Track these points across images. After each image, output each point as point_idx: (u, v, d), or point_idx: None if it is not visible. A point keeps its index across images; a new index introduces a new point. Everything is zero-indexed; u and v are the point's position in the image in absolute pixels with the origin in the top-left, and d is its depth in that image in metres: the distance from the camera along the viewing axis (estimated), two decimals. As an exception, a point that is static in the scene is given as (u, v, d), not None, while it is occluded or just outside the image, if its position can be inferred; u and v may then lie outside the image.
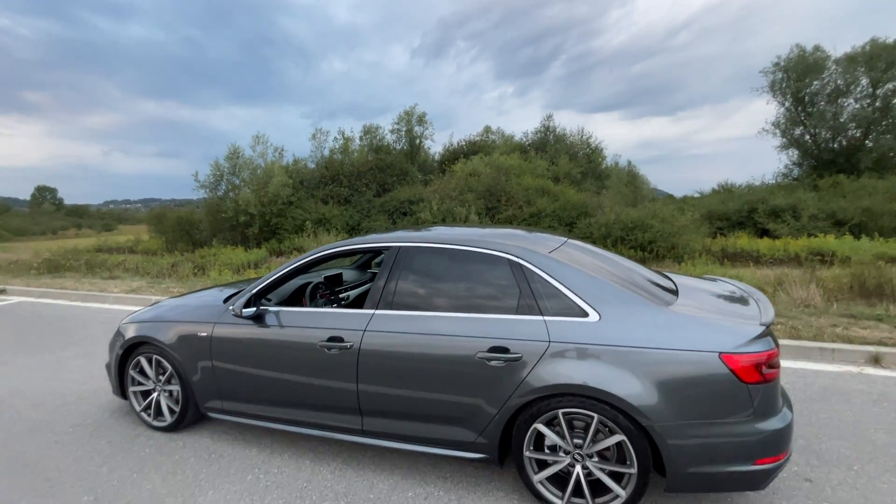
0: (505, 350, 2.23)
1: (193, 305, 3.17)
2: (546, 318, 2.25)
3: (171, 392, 3.12)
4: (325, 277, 3.69)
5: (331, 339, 2.57)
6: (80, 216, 59.87)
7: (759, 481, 2.03)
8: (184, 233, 22.79)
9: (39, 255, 12.81)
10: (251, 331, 2.80)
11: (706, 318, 2.15)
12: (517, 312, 2.31)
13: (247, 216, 21.32)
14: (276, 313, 2.81)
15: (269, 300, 3.08)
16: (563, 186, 22.70)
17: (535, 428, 2.22)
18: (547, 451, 2.27)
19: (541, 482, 2.27)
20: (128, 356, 3.23)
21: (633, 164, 41.53)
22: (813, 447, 2.77)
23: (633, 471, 2.09)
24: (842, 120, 23.42)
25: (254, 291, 2.85)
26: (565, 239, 2.93)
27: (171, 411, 3.12)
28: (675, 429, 2.00)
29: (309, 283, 3.40)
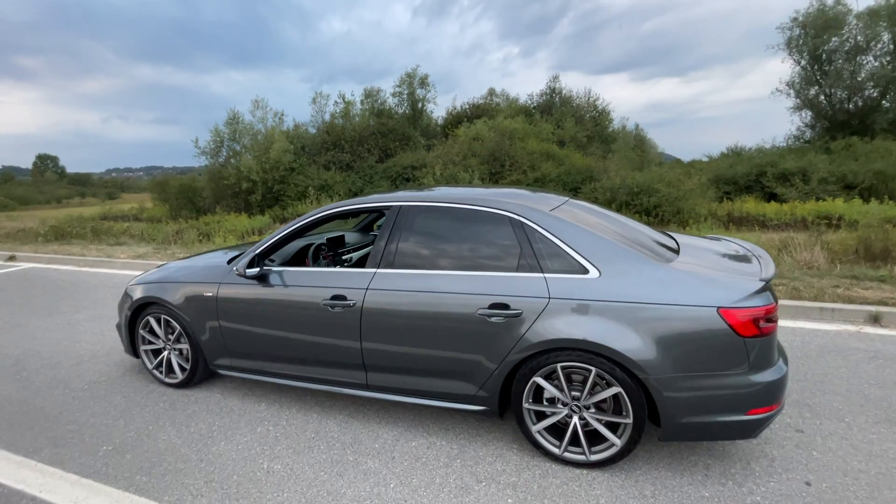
0: (505, 306, 2.26)
1: (199, 266, 3.21)
2: (546, 275, 2.27)
3: (180, 350, 3.21)
4: (327, 239, 3.71)
5: (334, 297, 2.60)
6: (83, 184, 59.79)
7: (751, 430, 2.09)
8: (187, 200, 22.78)
9: (46, 223, 12.92)
10: (256, 290, 2.84)
11: (705, 274, 2.16)
12: (518, 270, 2.33)
13: (249, 183, 21.21)
14: (280, 273, 2.84)
15: (273, 261, 3.11)
16: (568, 150, 22.31)
17: (534, 381, 2.27)
18: (545, 403, 2.34)
19: (539, 432, 2.35)
20: (137, 316, 3.30)
21: (641, 127, 40.52)
22: (806, 401, 2.83)
23: (629, 421, 2.15)
24: (859, 79, 22.61)
25: (257, 252, 2.87)
26: (567, 198, 2.92)
27: (182, 369, 3.21)
28: (671, 381, 2.05)
29: (311, 244, 3.42)
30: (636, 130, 41.12)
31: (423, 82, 27.58)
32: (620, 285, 2.15)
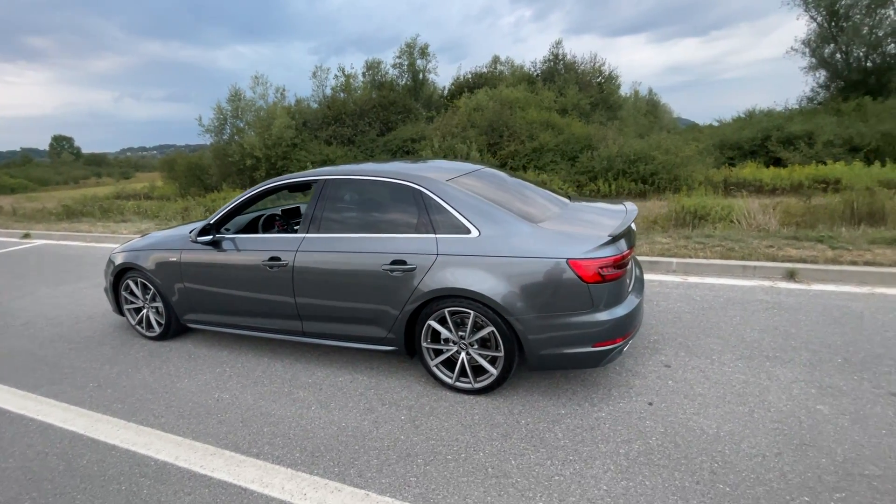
0: (403, 262, 2.69)
1: (167, 236, 3.71)
2: (437, 235, 2.68)
3: (157, 308, 3.75)
4: (283, 211, 4.17)
5: (271, 258, 3.07)
6: (98, 165, 61.11)
7: (598, 360, 2.51)
8: (195, 178, 23.45)
9: (76, 202, 13.70)
10: (211, 255, 3.33)
11: (564, 231, 2.54)
12: (416, 231, 2.75)
13: (253, 159, 21.69)
14: (231, 240, 3.31)
15: (228, 230, 3.59)
16: (569, 119, 22.08)
17: (429, 324, 2.72)
18: (442, 342, 2.80)
19: (436, 366, 2.82)
20: (119, 280, 3.85)
21: (655, 92, 39.28)
22: (688, 343, 3.23)
23: (501, 354, 2.60)
24: (879, 34, 21.65)
25: (211, 222, 3.35)
26: (480, 167, 3.32)
27: (159, 324, 3.75)
28: (532, 321, 2.47)
29: (262, 215, 3.89)
30: (649, 95, 40.01)
31: (424, 52, 27.28)
32: (494, 242, 2.55)
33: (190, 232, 3.56)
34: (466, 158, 18.04)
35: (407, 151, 20.89)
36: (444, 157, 18.21)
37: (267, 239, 3.21)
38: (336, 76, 25.98)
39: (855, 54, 22.35)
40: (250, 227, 3.76)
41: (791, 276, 4.31)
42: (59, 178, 46.23)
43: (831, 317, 3.50)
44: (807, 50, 23.78)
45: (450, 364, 2.81)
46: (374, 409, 2.68)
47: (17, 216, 12.82)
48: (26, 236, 9.40)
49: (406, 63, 27.28)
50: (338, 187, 3.05)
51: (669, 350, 3.14)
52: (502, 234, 2.57)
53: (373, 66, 27.57)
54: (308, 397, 2.85)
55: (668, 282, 4.49)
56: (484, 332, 2.62)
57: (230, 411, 2.75)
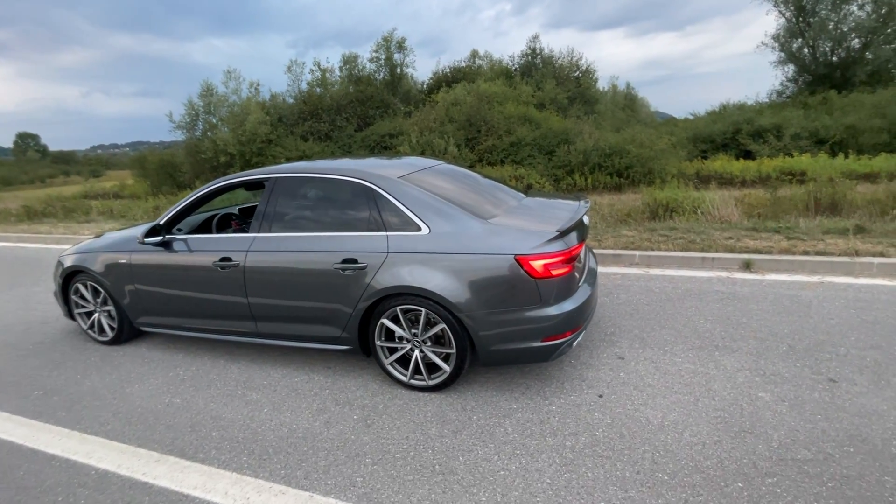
0: (354, 261, 2.67)
1: (117, 238, 3.59)
2: (388, 233, 2.66)
3: (108, 312, 3.63)
4: (239, 210, 4.08)
5: (222, 259, 3.00)
6: (66, 163, 59.02)
7: (548, 354, 2.53)
8: (167, 175, 22.84)
9: (37, 202, 13.17)
10: (162, 256, 3.24)
11: (513, 227, 2.55)
12: (367, 229, 2.72)
13: (227, 156, 21.22)
14: (182, 240, 3.23)
15: (181, 230, 3.50)
16: (547, 113, 22.22)
17: (382, 322, 2.71)
18: (396, 340, 2.78)
19: (391, 364, 2.80)
20: (69, 283, 3.72)
21: (633, 86, 39.76)
22: (643, 335, 3.28)
23: (453, 351, 2.60)
24: (844, 29, 22.34)
25: (160, 222, 3.26)
26: (437, 163, 3.31)
27: (111, 328, 3.64)
28: (481, 317, 2.47)
29: (216, 214, 3.80)
30: (627, 89, 40.49)
31: (401, 46, 27.02)
32: (444, 239, 2.54)
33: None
34: (444, 153, 18.02)
35: (385, 147, 20.73)
36: (422, 153, 18.18)
37: (218, 239, 3.14)
38: (312, 70, 25.53)
39: (821, 49, 23.02)
40: (204, 227, 3.67)
41: (747, 266, 4.42)
42: (25, 177, 44.53)
43: (781, 305, 3.60)
44: (776, 45, 24.40)
45: (405, 362, 2.80)
46: (326, 410, 2.65)
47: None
48: (-17, 239, 9.03)
49: (383, 57, 26.98)
50: (289, 185, 3.00)
51: (624, 342, 3.19)
52: (452, 230, 2.56)
53: (350, 61, 27.18)
54: (261, 399, 2.81)
55: (630, 274, 4.56)
56: (436, 329, 2.61)
57: (179, 416, 2.69)
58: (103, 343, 3.72)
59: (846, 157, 14.98)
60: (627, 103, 37.83)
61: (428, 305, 2.55)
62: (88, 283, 3.60)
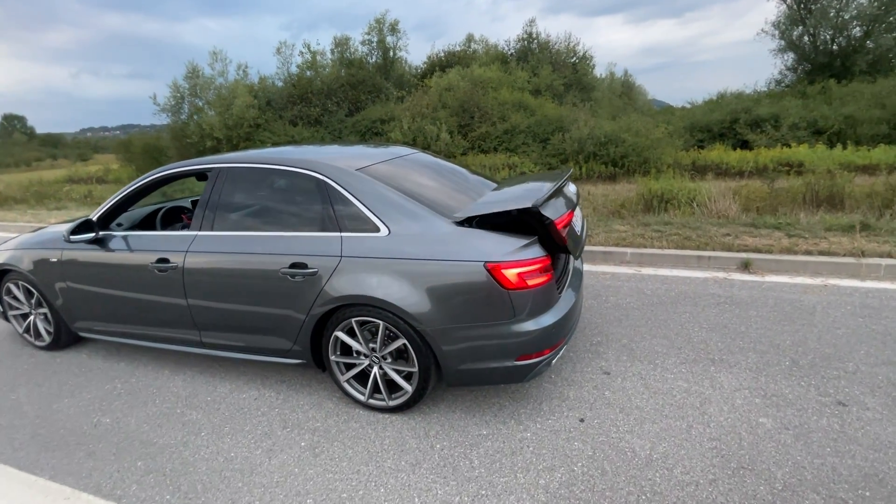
0: (303, 266, 2.32)
1: (49, 233, 3.22)
2: (343, 234, 2.32)
3: (45, 315, 3.29)
4: (192, 202, 3.70)
5: (159, 260, 2.65)
6: (54, 146, 57.71)
7: (522, 375, 2.22)
8: (152, 160, 22.21)
9: (17, 187, 12.62)
10: (94, 255, 2.87)
11: (482, 230, 2.22)
12: (320, 229, 2.37)
13: (213, 141, 20.64)
14: (118, 237, 2.86)
15: (121, 225, 3.13)
16: (542, 100, 21.74)
17: (335, 335, 2.39)
18: (354, 354, 2.46)
19: (347, 382, 2.49)
20: (0, 282, 3.36)
21: (631, 73, 39.19)
22: (632, 345, 2.99)
23: (415, 369, 2.29)
24: (845, 17, 21.92)
25: (93, 218, 2.89)
26: (411, 152, 2.98)
27: (48, 332, 3.30)
28: (446, 332, 2.15)
29: (161, 208, 3.43)
30: (625, 77, 39.87)
31: (394, 28, 26.24)
32: (405, 242, 2.20)
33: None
34: (436, 140, 17.56)
35: (376, 133, 20.22)
36: (414, 139, 17.69)
37: (156, 237, 2.78)
38: (302, 53, 24.74)
39: (822, 37, 22.59)
40: (147, 223, 3.30)
41: (745, 266, 4.13)
42: (10, 160, 43.44)
43: (783, 312, 3.31)
44: (776, 32, 23.94)
45: (364, 378, 2.48)
46: (272, 434, 2.34)
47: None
48: (-57, 227, 8.57)
49: (376, 40, 26.21)
50: (235, 177, 2.63)
51: (611, 354, 2.89)
52: (415, 232, 2.22)
53: (341, 43, 26.39)
54: (201, 420, 2.49)
55: (620, 274, 4.25)
56: (397, 345, 2.29)
57: (105, 440, 2.37)
58: (40, 348, 3.38)
59: (844, 147, 14.71)
60: (625, 91, 37.28)
61: (386, 318, 2.23)
62: (20, 282, 3.24)
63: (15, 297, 3.34)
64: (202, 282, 2.57)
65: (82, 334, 3.21)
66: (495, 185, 2.92)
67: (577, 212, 2.60)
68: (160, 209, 3.41)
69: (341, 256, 2.27)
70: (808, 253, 4.17)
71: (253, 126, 21.44)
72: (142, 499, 1.98)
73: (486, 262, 2.07)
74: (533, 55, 26.70)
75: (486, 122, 19.08)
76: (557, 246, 2.24)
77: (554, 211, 2.17)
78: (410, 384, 2.33)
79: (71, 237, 2.82)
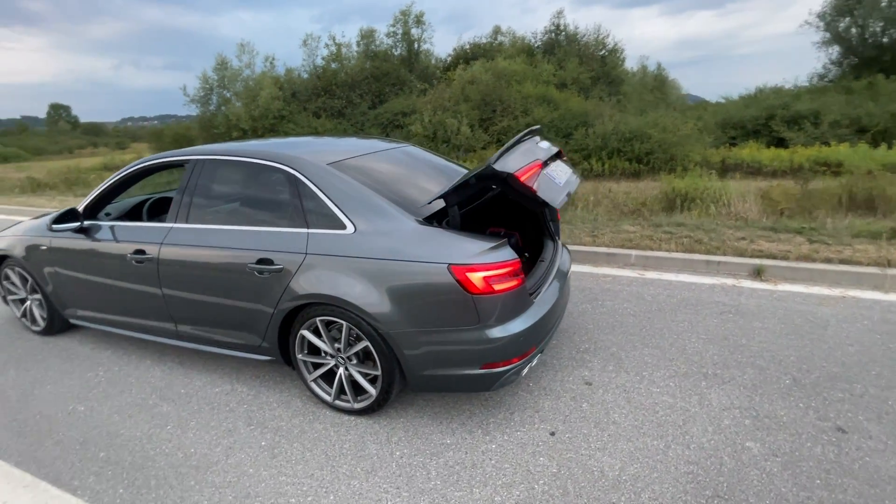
0: (270, 262, 2.27)
1: (41, 221, 3.29)
2: (309, 230, 2.25)
3: (39, 301, 3.37)
4: None
5: (136, 251, 2.66)
6: (96, 134, 60.25)
7: (489, 383, 2.11)
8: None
9: (53, 174, 13.21)
10: (79, 244, 2.91)
11: (447, 231, 2.10)
12: (288, 225, 2.31)
13: (239, 132, 21.07)
14: (104, 227, 2.89)
15: (109, 214, 3.17)
16: (567, 93, 21.23)
17: (301, 334, 2.33)
18: (322, 354, 2.40)
19: (314, 381, 2.43)
20: (-1, 267, 3.46)
21: (664, 67, 37.96)
22: (621, 354, 2.82)
23: (378, 373, 2.21)
24: (898, 7, 20.51)
25: (79, 208, 2.93)
26: (399, 145, 2.94)
27: (43, 318, 3.38)
28: (409, 335, 2.06)
29: (148, 199, 3.45)
30: (657, 70, 38.60)
31: (419, 20, 26.11)
32: (370, 241, 2.12)
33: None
34: (457, 134, 17.39)
35: (397, 126, 20.19)
36: (434, 133, 17.58)
37: (135, 228, 2.79)
38: (327, 45, 24.91)
39: (871, 29, 21.19)
40: (134, 213, 3.33)
41: (758, 273, 3.87)
42: (55, 147, 45.58)
43: (791, 325, 3.07)
44: (821, 24, 22.59)
45: (333, 378, 2.42)
46: (235, 431, 2.31)
47: (-14, 188, 12.43)
48: (-22, 211, 9.02)
49: (401, 32, 26.12)
50: (209, 170, 2.60)
51: (597, 363, 2.74)
52: (381, 230, 2.13)
53: (367, 36, 26.43)
54: (170, 412, 2.49)
55: (622, 277, 4.06)
56: (358, 346, 2.22)
57: (75, 429, 2.39)
58: (36, 333, 3.47)
59: (889, 147, 13.78)
60: (657, 85, 36.03)
61: (350, 318, 2.15)
62: (16, 268, 3.32)
63: (13, 283, 3.44)
64: (175, 274, 2.56)
65: (72, 321, 3.28)
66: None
67: (560, 165, 2.40)
68: (148, 200, 3.43)
69: (306, 253, 2.20)
70: (829, 261, 3.87)
71: (277, 117, 21.77)
72: (96, 491, 1.98)
73: (450, 264, 1.97)
74: (560, 48, 26.08)
75: (508, 115, 18.78)
76: (531, 200, 2.08)
77: (513, 165, 2.00)
78: (375, 388, 2.25)
79: (53, 226, 2.86)
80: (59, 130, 60.88)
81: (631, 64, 31.06)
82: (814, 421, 2.18)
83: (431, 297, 2.01)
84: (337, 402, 2.38)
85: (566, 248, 3.10)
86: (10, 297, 3.51)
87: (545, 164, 2.20)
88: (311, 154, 2.45)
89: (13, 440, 2.33)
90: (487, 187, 2.20)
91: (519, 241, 3.08)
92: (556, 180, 2.20)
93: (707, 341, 2.92)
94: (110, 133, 65.00)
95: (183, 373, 2.87)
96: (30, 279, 3.27)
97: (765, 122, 18.13)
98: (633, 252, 4.38)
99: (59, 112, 73.49)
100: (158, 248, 2.58)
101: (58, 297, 3.16)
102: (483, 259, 1.97)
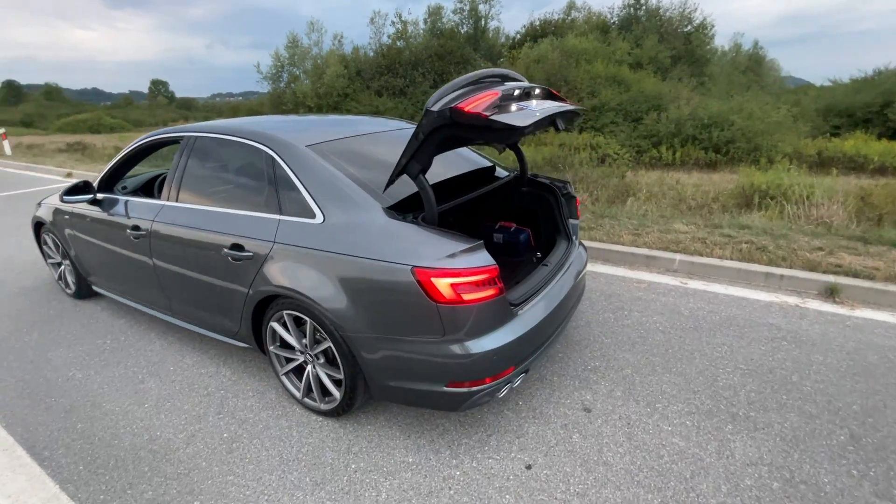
0: (241, 248, 2.16)
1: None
2: (281, 217, 2.09)
3: (70, 265, 3.57)
4: None
5: (133, 227, 2.67)
6: (188, 109, 65.55)
7: (455, 404, 1.85)
8: (252, 125, 24.06)
9: (115, 145, 14.61)
10: (92, 215, 3.01)
11: (421, 227, 1.84)
12: (264, 209, 2.18)
13: (305, 109, 21.77)
14: (119, 201, 2.95)
15: (126, 188, 3.24)
16: (642, 74, 19.63)
17: (271, 326, 2.21)
18: (293, 349, 2.27)
19: (285, 375, 2.30)
20: (39, 233, 3.71)
21: (762, 46, 34.13)
22: (636, 378, 2.43)
23: (341, 376, 2.03)
24: None
25: (93, 182, 3.03)
26: (406, 126, 2.71)
27: (73, 283, 3.59)
28: (369, 341, 1.85)
29: (161, 174, 3.49)
30: (753, 49, 34.63)
31: (487, -4, 25.15)
32: (337, 233, 1.92)
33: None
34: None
35: (456, 106, 19.75)
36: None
37: (134, 204, 2.81)
38: (393, 23, 24.83)
39: None
40: (146, 188, 3.38)
41: (830, 293, 3.22)
42: (153, 120, 50.18)
43: (863, 363, 2.49)
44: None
45: (302, 374, 2.29)
46: (203, 419, 2.26)
47: (84, 155, 13.86)
48: (69, 175, 10.02)
49: (468, 8, 25.40)
50: (199, 148, 2.53)
51: (604, 386, 2.38)
52: (349, 222, 1.93)
53: (434, 13, 26.02)
54: (153, 389, 2.50)
55: (659, 284, 3.57)
56: (323, 346, 2.05)
57: (67, 396, 2.47)
58: (69, 296, 3.69)
59: None
60: (751, 66, 32.35)
61: (312, 315, 1.99)
62: (50, 234, 3.53)
63: (50, 247, 3.67)
64: (164, 251, 2.55)
65: (95, 289, 3.44)
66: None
67: (548, 102, 1.96)
68: (161, 175, 3.48)
69: (274, 242, 2.06)
70: (930, 285, 3.13)
71: (341, 95, 22.17)
72: (60, 464, 2.01)
73: (414, 266, 1.72)
74: (638, 24, 24.06)
75: (572, 97, 17.72)
76: (495, 135, 1.72)
77: (458, 99, 1.65)
78: (339, 391, 2.09)
79: (64, 197, 2.95)
80: (157, 104, 66.86)
81: (722, 42, 28.00)
82: (868, 497, 1.71)
83: (393, 301, 1.78)
84: (306, 399, 2.25)
85: (583, 246, 2.73)
86: (49, 261, 3.76)
87: (516, 98, 1.79)
88: (290, 134, 2.28)
89: (15, 401, 2.45)
90: (443, 138, 1.76)
91: (531, 239, 2.75)
92: (531, 108, 1.79)
93: (746, 373, 2.44)
94: (200, 108, 70.34)
95: (178, 350, 2.89)
96: (61, 245, 3.46)
97: (880, 109, 15.73)
98: (678, 256, 3.84)
99: (158, 87, 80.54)
100: (150, 225, 2.57)
101: (80, 264, 3.32)
102: (452, 263, 1.70)
